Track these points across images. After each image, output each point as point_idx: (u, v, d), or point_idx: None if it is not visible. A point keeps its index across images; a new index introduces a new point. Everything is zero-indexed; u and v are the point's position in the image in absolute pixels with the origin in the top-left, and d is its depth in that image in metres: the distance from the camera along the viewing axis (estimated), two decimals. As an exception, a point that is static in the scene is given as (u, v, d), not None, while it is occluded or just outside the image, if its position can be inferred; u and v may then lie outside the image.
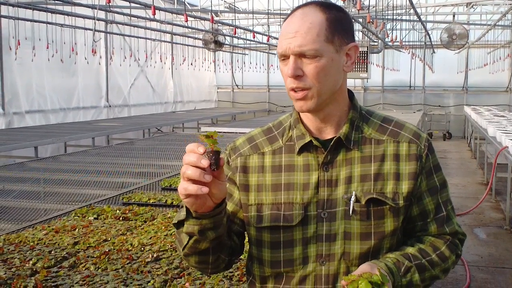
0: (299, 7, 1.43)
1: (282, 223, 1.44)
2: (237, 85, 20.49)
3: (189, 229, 1.34)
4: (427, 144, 1.50)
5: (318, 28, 1.38)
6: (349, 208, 1.41)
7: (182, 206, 1.37)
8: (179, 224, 1.38)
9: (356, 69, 13.02)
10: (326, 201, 1.43)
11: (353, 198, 1.41)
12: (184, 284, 2.69)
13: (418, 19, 11.64)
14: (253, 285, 1.53)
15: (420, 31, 15.93)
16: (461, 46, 13.98)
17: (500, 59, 16.10)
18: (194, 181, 1.24)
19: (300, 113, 1.51)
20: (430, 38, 15.51)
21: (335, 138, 1.45)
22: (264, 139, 1.54)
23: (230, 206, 1.52)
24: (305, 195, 1.44)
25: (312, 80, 1.38)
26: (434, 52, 17.55)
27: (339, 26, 1.41)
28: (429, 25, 16.24)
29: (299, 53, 1.37)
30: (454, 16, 14.15)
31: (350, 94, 1.52)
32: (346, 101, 1.50)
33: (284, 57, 1.40)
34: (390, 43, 14.26)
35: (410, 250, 1.46)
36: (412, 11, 10.77)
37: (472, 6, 15.83)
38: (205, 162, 1.23)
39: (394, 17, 12.48)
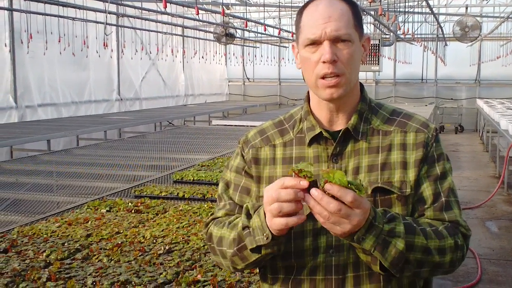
0: None
1: None
2: (248, 78, 20.47)
3: (268, 251, 1.37)
4: (435, 134, 1.50)
5: (348, 14, 1.41)
6: None
7: (244, 229, 1.38)
8: (255, 248, 1.38)
9: (367, 62, 12.96)
10: None
11: None
12: (196, 276, 2.71)
13: (430, 12, 11.56)
14: (264, 276, 1.54)
15: (432, 23, 15.81)
16: (474, 38, 13.84)
17: (513, 51, 15.95)
18: (289, 214, 1.27)
19: (311, 105, 1.52)
20: (442, 30, 15.39)
21: (343, 129, 1.46)
22: (275, 132, 1.56)
23: (250, 201, 1.52)
24: None
25: (345, 66, 1.40)
26: (447, 45, 17.39)
27: (358, 17, 1.44)
28: (441, 18, 16.11)
29: (335, 37, 1.38)
30: (466, 8, 13.99)
31: (360, 86, 1.54)
32: (358, 93, 1.52)
33: (314, 43, 1.40)
34: (402, 36, 14.17)
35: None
36: (424, 3, 10.69)
37: (485, -2, 15.68)
38: (301, 195, 1.25)
39: (406, 9, 12.39)
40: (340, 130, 1.47)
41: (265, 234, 1.33)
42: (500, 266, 5.23)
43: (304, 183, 1.24)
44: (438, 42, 17.66)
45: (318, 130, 1.47)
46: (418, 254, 1.35)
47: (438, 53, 17.47)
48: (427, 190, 1.46)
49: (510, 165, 7.62)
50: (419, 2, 12.16)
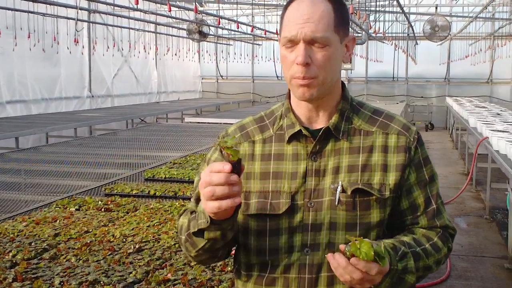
0: None
1: (268, 212, 1.44)
2: (221, 76, 20.42)
3: (211, 235, 1.37)
4: (417, 137, 1.51)
5: (329, 17, 1.39)
6: (335, 198, 1.42)
7: (191, 213, 1.40)
8: (198, 232, 1.38)
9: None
10: (313, 190, 1.43)
11: (339, 189, 1.41)
12: (166, 275, 2.70)
13: (401, 11, 11.67)
14: (239, 272, 1.54)
15: (403, 22, 15.98)
16: (443, 37, 14.04)
17: (481, 50, 16.24)
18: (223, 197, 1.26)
19: (292, 102, 1.52)
20: (413, 29, 15.57)
21: (324, 128, 1.46)
22: (255, 128, 1.55)
23: None
24: (292, 184, 1.44)
25: (319, 69, 1.39)
26: (417, 44, 17.63)
27: (343, 17, 1.43)
28: (412, 17, 16.29)
29: (311, 40, 1.37)
30: (436, 8, 14.19)
31: (342, 85, 1.53)
32: (339, 92, 1.51)
33: (292, 43, 1.40)
34: (374, 35, 14.28)
35: (405, 238, 1.45)
36: (395, 2, 10.79)
37: (454, -2, 15.91)
38: (234, 178, 1.25)
39: (377, 8, 12.50)
40: (320, 128, 1.47)
41: (205, 218, 1.34)
42: (468, 262, 5.32)
43: (227, 168, 1.24)
44: (409, 41, 17.86)
45: (297, 128, 1.47)
46: (420, 272, 1.44)
47: (409, 52, 17.68)
48: (419, 198, 1.49)
49: (478, 162, 7.75)
50: (390, 1, 12.27)
